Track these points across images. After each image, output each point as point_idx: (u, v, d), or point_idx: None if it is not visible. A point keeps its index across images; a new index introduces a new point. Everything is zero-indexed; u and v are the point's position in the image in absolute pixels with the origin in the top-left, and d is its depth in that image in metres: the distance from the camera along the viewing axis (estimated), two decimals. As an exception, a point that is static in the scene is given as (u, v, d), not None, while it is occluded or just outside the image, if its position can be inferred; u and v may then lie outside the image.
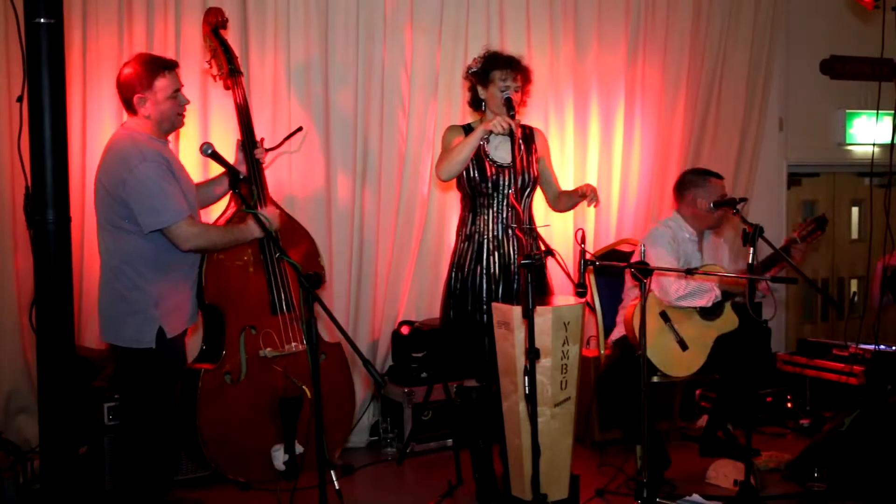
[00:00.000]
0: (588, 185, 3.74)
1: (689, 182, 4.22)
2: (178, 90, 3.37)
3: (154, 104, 3.31)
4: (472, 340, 3.73)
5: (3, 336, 4.12)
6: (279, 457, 3.77)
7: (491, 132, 3.59)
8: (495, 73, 3.69)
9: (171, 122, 3.40)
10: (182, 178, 3.38)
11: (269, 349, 3.84)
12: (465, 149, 3.62)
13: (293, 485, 3.62)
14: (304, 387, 3.72)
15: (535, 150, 3.86)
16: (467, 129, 3.79)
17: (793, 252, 3.99)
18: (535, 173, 3.81)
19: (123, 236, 3.25)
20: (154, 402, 3.36)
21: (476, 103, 3.82)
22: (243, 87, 3.97)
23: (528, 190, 3.78)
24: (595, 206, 3.79)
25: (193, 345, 4.08)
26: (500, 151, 3.73)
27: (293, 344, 3.87)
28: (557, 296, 3.91)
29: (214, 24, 3.94)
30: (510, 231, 3.71)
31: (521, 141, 3.77)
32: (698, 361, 4.00)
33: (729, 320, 4.09)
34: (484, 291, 3.72)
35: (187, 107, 3.48)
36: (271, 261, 3.83)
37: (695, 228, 4.21)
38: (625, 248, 4.73)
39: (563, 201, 3.91)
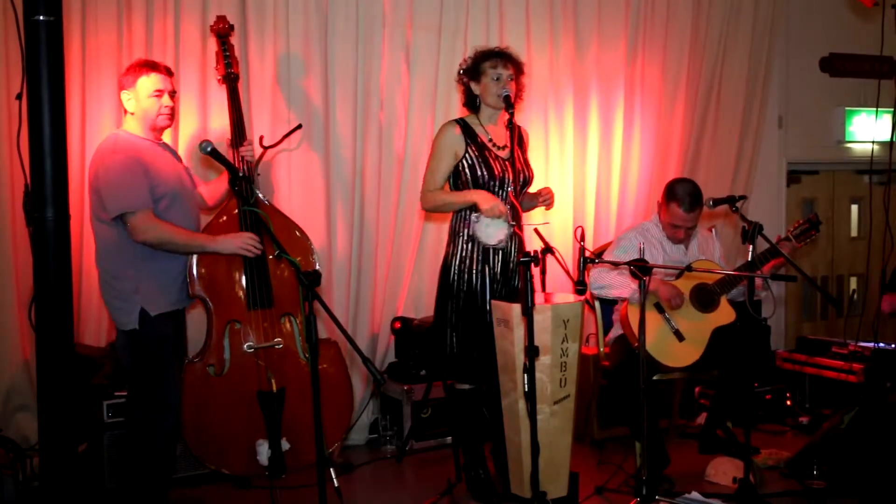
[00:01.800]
0: (546, 188, 3.79)
1: (665, 193, 4.20)
2: (161, 91, 3.47)
3: (136, 101, 3.46)
4: (483, 341, 3.71)
5: (2, 333, 4.12)
6: (263, 451, 3.76)
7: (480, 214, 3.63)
8: (485, 64, 3.70)
9: (151, 119, 3.49)
10: (158, 173, 3.42)
11: (249, 343, 3.85)
12: (455, 205, 3.71)
13: (271, 482, 3.62)
14: (272, 381, 3.73)
15: (526, 148, 3.89)
16: (462, 125, 3.76)
17: (781, 249, 3.98)
18: (532, 171, 3.83)
19: (105, 227, 3.39)
20: (152, 387, 3.43)
21: (471, 102, 3.80)
22: (237, 89, 3.97)
23: (528, 188, 3.80)
24: (546, 209, 3.84)
25: (191, 339, 4.08)
26: (492, 230, 3.65)
27: (276, 339, 3.87)
28: (557, 293, 3.91)
29: (216, 30, 4.00)
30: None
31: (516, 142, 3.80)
32: (695, 353, 4.00)
33: (725, 313, 4.08)
34: (489, 291, 3.72)
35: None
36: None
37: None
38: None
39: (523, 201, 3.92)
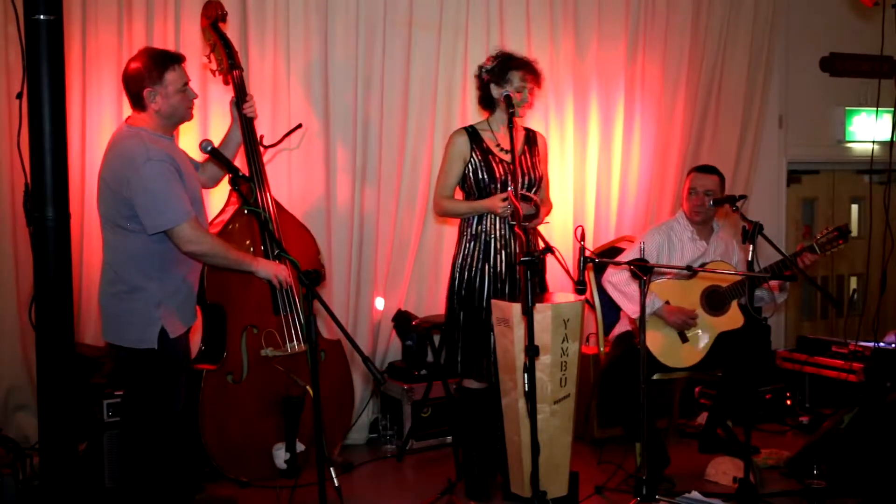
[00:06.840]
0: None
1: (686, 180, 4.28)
2: (186, 84, 3.32)
3: (164, 98, 3.25)
4: (482, 339, 3.73)
5: (2, 333, 4.12)
6: (280, 455, 3.77)
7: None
8: (515, 73, 3.72)
9: (180, 116, 3.36)
10: (187, 176, 3.34)
11: (270, 348, 3.84)
12: (463, 213, 3.81)
13: (294, 482, 3.62)
14: (307, 387, 3.71)
15: (538, 153, 3.90)
16: (470, 132, 3.81)
17: (803, 257, 3.95)
18: (540, 174, 3.85)
19: (126, 235, 3.20)
20: (157, 402, 3.33)
21: (488, 102, 3.82)
22: (243, 81, 3.97)
23: (534, 190, 3.81)
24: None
25: (195, 344, 4.08)
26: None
27: (294, 343, 3.86)
28: (557, 293, 3.90)
29: (214, 17, 3.92)
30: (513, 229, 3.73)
31: (524, 143, 3.84)
32: (698, 355, 4.00)
33: (734, 318, 4.06)
34: (488, 290, 3.73)
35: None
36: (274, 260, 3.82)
37: (696, 226, 4.21)
38: (624, 245, 4.72)
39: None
